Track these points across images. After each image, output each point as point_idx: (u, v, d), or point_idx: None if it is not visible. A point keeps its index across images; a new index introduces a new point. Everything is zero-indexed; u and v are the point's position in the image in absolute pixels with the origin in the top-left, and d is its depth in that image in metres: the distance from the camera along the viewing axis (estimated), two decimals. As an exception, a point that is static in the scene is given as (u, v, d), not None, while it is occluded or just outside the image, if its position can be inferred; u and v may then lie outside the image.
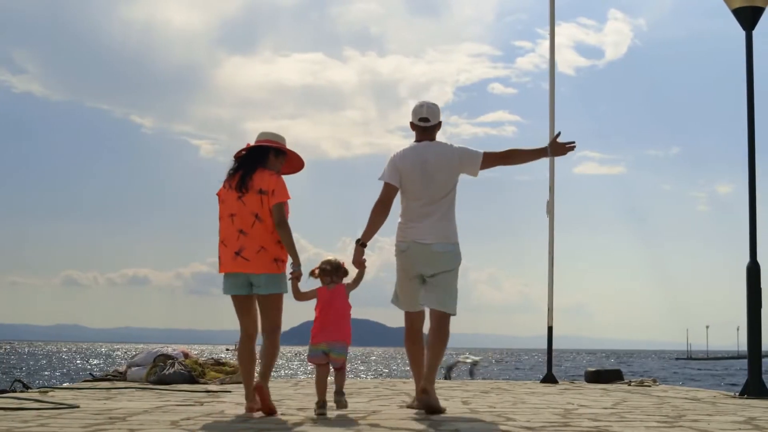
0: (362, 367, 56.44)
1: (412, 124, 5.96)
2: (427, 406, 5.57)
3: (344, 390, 5.55)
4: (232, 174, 5.63)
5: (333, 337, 5.48)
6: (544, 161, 6.44)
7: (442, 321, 5.75)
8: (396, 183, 5.81)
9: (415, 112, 5.92)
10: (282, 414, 5.44)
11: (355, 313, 5.85)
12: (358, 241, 5.77)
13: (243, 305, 5.62)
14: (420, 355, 5.86)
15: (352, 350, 6.00)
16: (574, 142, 5.97)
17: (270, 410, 5.35)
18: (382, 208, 5.82)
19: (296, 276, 5.55)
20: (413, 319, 5.92)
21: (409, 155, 5.86)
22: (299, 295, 5.61)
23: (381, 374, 43.34)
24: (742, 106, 7.91)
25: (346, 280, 5.68)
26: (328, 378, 5.56)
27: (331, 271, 5.59)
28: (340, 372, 5.55)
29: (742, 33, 7.98)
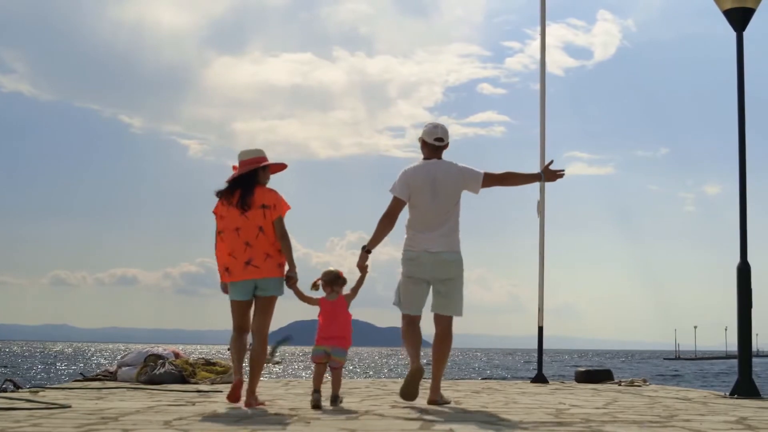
0: (351, 367, 56.38)
1: (424, 142, 6.41)
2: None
3: (339, 395, 6.05)
4: (230, 192, 6.07)
5: (335, 344, 6.03)
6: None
7: (446, 325, 6.31)
8: (405, 198, 6.29)
9: (429, 132, 6.39)
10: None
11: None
12: (364, 247, 6.30)
13: (244, 308, 6.11)
14: (418, 337, 6.28)
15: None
16: (563, 170, 6.63)
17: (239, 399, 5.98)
18: (389, 220, 6.32)
19: (293, 281, 6.06)
20: (412, 318, 6.32)
21: (420, 172, 6.33)
22: (303, 297, 6.12)
23: (372, 374, 43.33)
24: (731, 108, 7.92)
25: (347, 287, 6.18)
26: (325, 378, 6.04)
27: (331, 282, 6.09)
28: (337, 373, 6.08)
29: (733, 34, 7.97)
